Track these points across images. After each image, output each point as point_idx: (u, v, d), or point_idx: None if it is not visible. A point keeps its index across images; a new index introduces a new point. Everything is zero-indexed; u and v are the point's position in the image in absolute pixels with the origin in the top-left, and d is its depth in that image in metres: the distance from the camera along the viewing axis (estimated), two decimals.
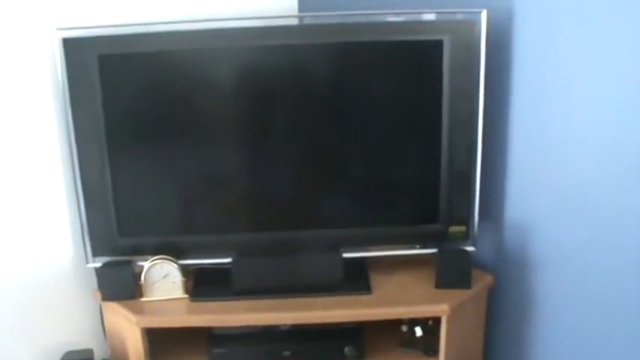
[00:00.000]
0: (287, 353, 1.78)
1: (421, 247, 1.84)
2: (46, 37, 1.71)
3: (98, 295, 1.78)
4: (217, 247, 1.81)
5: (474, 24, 1.64)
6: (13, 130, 1.72)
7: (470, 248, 1.78)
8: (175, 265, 1.75)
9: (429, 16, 1.69)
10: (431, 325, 1.74)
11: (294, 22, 2.01)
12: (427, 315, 1.71)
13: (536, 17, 1.59)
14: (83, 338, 1.95)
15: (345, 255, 1.78)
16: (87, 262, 1.81)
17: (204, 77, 1.72)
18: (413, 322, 1.76)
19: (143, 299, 1.75)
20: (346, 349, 1.77)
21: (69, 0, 1.74)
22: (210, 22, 1.66)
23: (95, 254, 1.80)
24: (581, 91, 1.52)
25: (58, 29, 1.65)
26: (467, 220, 1.79)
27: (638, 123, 1.41)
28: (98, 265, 1.77)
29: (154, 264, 1.74)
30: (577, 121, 1.54)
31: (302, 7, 2.12)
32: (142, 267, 1.75)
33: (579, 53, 1.51)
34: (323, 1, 2.03)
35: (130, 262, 1.75)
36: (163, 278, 1.75)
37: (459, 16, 1.66)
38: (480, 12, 1.62)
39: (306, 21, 1.97)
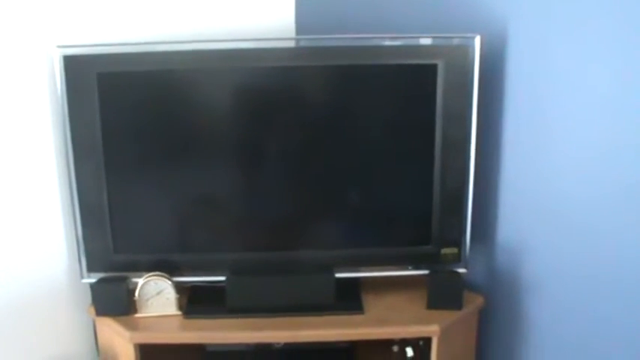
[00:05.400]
0: None
1: (413, 269, 1.85)
2: (46, 54, 1.73)
3: (92, 310, 1.79)
4: (212, 265, 1.81)
5: (468, 48, 1.66)
6: (12, 145, 1.74)
7: (462, 270, 1.79)
8: (169, 282, 1.75)
9: (424, 41, 1.72)
10: (422, 346, 1.75)
11: (292, 44, 2.03)
12: (418, 335, 1.72)
13: (529, 42, 1.61)
14: (76, 353, 1.95)
15: (338, 275, 1.78)
16: (82, 277, 1.81)
17: (201, 97, 1.74)
18: (404, 343, 1.77)
19: (137, 315, 1.76)
20: None
21: (70, 18, 1.77)
22: (208, 43, 1.68)
23: (90, 270, 1.80)
24: (573, 115, 1.54)
25: (59, 47, 1.67)
26: (459, 242, 1.79)
27: (629, 147, 1.44)
28: (93, 280, 1.78)
29: (148, 280, 1.75)
30: (569, 144, 1.57)
31: (299, 29, 2.16)
32: (137, 283, 1.75)
33: (571, 77, 1.53)
34: (320, 24, 2.07)
35: (124, 279, 1.76)
36: (157, 295, 1.76)
37: (453, 41, 1.69)
38: (474, 37, 1.65)
39: (303, 43, 1.99)
